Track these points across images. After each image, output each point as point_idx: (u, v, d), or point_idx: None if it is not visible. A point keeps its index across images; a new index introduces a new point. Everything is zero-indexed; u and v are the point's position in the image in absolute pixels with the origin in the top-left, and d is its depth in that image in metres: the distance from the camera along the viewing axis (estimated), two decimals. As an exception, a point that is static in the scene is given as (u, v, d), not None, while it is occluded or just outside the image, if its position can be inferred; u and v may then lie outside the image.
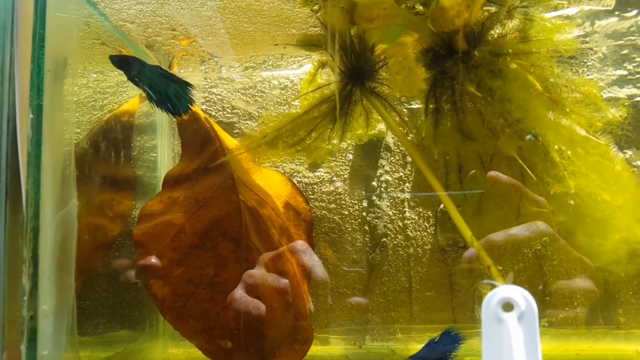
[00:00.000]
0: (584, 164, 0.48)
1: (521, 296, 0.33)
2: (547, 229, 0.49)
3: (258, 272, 0.51)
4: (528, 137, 0.43)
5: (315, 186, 0.63)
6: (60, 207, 0.39)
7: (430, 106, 0.48)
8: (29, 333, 0.38)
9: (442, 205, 0.63)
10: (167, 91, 0.46)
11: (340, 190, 0.63)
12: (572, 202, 0.44)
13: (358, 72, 0.50)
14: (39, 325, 0.38)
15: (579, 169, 0.47)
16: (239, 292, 0.50)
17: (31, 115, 0.39)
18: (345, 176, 0.63)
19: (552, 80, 0.48)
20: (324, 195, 0.63)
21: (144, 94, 0.49)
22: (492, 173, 0.49)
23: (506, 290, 0.34)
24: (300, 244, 0.54)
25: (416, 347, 0.59)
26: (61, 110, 0.41)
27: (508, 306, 0.34)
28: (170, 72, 0.50)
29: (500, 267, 0.58)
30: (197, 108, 0.58)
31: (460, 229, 0.46)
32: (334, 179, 0.63)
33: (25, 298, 0.37)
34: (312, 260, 0.54)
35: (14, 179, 0.41)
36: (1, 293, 0.39)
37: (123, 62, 0.44)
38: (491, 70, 0.44)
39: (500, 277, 0.43)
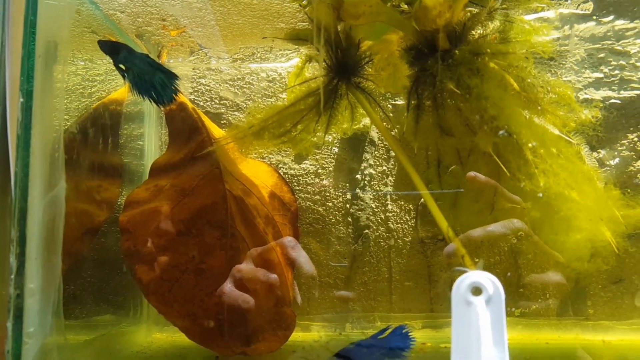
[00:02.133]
0: (555, 163, 0.50)
1: (489, 281, 0.35)
2: (522, 226, 0.51)
3: (246, 267, 0.52)
4: (501, 132, 0.45)
5: (300, 178, 0.65)
6: (49, 190, 0.40)
7: (412, 102, 0.50)
8: (15, 311, 0.39)
9: (422, 199, 0.64)
10: (153, 80, 0.47)
11: (326, 183, 0.64)
12: (540, 194, 0.46)
13: (344, 67, 0.52)
14: (25, 304, 0.39)
15: (550, 167, 0.50)
16: (228, 286, 0.51)
17: (21, 100, 0.40)
18: (330, 169, 0.65)
19: (529, 80, 0.50)
20: (309, 187, 0.65)
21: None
22: (472, 173, 0.51)
23: (475, 275, 0.35)
24: (289, 239, 0.56)
25: (394, 335, 0.62)
26: (51, 95, 0.42)
27: (477, 290, 0.35)
28: (159, 61, 0.51)
29: (477, 260, 0.60)
30: (185, 98, 0.58)
31: (437, 220, 0.48)
32: (320, 171, 0.65)
33: (13, 277, 0.38)
34: (301, 256, 0.55)
35: (3, 161, 0.42)
36: (-11, 272, 0.40)
37: (112, 48, 0.45)
38: (470, 68, 0.46)
39: (472, 266, 0.45)
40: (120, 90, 0.60)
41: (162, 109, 0.52)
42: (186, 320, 0.52)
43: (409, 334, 0.49)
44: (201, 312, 0.52)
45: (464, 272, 0.37)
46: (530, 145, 0.49)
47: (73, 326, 0.56)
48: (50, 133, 0.41)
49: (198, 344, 0.52)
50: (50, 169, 0.40)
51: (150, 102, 0.47)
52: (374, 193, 0.64)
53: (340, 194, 0.65)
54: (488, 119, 0.46)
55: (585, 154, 0.54)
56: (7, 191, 0.42)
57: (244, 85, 0.65)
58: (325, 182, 0.64)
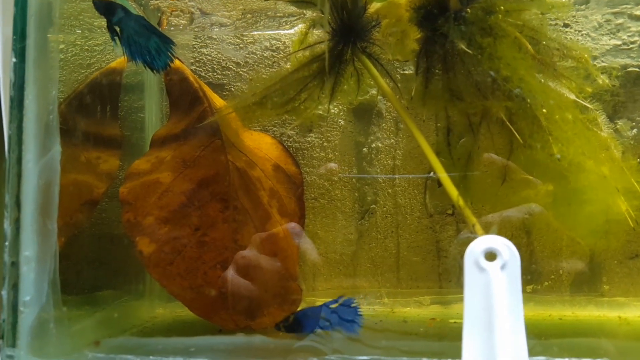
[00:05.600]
0: (570, 130, 0.48)
1: (504, 246, 0.34)
2: (540, 210, 0.50)
3: (250, 253, 0.51)
4: (517, 90, 0.43)
5: (305, 151, 0.63)
6: (44, 154, 0.39)
7: (421, 66, 0.48)
8: (10, 279, 0.37)
9: (431, 173, 0.63)
10: (148, 44, 0.45)
11: (333, 167, 0.63)
12: (558, 156, 0.44)
13: (350, 31, 0.50)
14: (21, 271, 0.37)
15: (565, 134, 0.47)
16: (231, 273, 0.50)
17: (14, 60, 0.38)
18: (336, 142, 0.63)
19: (544, 43, 0.47)
20: (314, 160, 0.63)
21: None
22: (487, 155, 0.50)
23: (489, 239, 0.34)
24: (293, 226, 0.54)
25: (401, 310, 0.60)
26: (46, 56, 0.40)
27: (491, 256, 0.34)
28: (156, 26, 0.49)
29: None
30: (185, 67, 0.57)
31: (447, 189, 0.47)
32: (325, 144, 0.63)
33: (7, 244, 0.37)
34: (305, 242, 0.54)
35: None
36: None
37: (106, 8, 0.43)
38: (482, 27, 0.43)
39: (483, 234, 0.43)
40: (119, 60, 0.58)
41: (156, 74, 0.50)
42: (189, 293, 0.51)
43: (358, 309, 0.48)
44: (204, 285, 0.51)
45: (474, 238, 0.35)
46: (544, 110, 0.46)
47: (74, 301, 0.55)
48: (44, 95, 0.39)
49: (201, 317, 0.51)
50: (45, 132, 0.39)
51: (145, 67, 0.46)
52: (382, 177, 0.62)
53: (346, 167, 0.63)
54: (500, 81, 0.44)
55: (602, 122, 0.52)
56: (1, 158, 0.41)
57: (247, 55, 0.63)
58: (332, 165, 0.63)
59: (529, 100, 0.45)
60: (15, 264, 0.37)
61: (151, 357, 0.37)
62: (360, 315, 0.48)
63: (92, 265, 0.57)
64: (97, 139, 0.55)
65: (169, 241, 0.51)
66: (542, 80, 0.46)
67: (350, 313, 0.48)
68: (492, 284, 0.33)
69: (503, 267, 0.33)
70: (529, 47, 0.45)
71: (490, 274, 0.33)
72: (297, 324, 0.48)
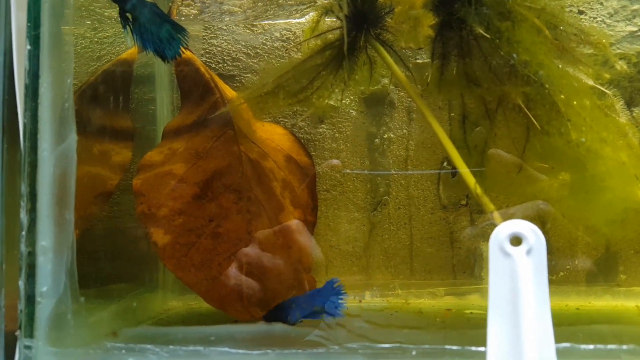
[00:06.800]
0: (589, 116, 0.47)
1: (530, 230, 0.33)
2: (548, 208, 0.49)
3: (253, 251, 0.50)
4: (539, 72, 0.42)
5: (317, 143, 0.63)
6: (59, 142, 0.38)
7: (437, 52, 0.47)
8: (27, 269, 0.37)
9: (444, 164, 0.62)
10: (160, 32, 0.44)
11: (336, 163, 0.62)
12: (583, 139, 0.44)
13: (363, 18, 0.49)
14: (38, 262, 0.37)
15: (583, 120, 0.47)
16: (233, 271, 0.49)
17: (28, 47, 0.38)
18: (348, 133, 0.63)
19: (561, 28, 0.47)
20: (325, 152, 0.63)
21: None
22: (493, 150, 0.49)
23: (515, 224, 0.33)
24: (296, 223, 0.54)
25: (416, 301, 0.60)
26: (60, 44, 0.40)
27: (516, 240, 0.33)
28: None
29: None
30: (197, 58, 0.56)
31: (464, 177, 0.46)
32: (336, 135, 0.62)
33: (24, 233, 0.37)
34: (307, 240, 0.54)
35: (11, 115, 0.40)
36: (-1, 230, 0.38)
37: (120, -6, 0.43)
38: (500, 12, 0.43)
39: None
40: (129, 51, 0.58)
41: (167, 63, 0.49)
42: (204, 284, 0.50)
43: (341, 289, 0.48)
44: (219, 277, 0.50)
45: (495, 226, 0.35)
46: (562, 96, 0.46)
47: (87, 294, 0.55)
48: (59, 83, 0.39)
49: (217, 308, 0.50)
50: (61, 120, 0.38)
51: (156, 56, 0.45)
52: (394, 153, 0.61)
53: (358, 158, 0.62)
54: (519, 65, 0.43)
55: (620, 109, 0.51)
56: (16, 148, 0.40)
57: (257, 46, 0.62)
58: (334, 161, 0.62)
59: (547, 86, 0.45)
60: (31, 254, 0.37)
61: (170, 347, 0.37)
62: (343, 295, 0.47)
63: (105, 258, 0.56)
64: (109, 130, 0.55)
65: (183, 232, 0.51)
66: (561, 66, 0.46)
67: (332, 298, 0.48)
68: (517, 270, 0.32)
69: (529, 252, 0.33)
70: (548, 33, 0.45)
71: (515, 259, 0.32)
72: (282, 313, 0.47)
